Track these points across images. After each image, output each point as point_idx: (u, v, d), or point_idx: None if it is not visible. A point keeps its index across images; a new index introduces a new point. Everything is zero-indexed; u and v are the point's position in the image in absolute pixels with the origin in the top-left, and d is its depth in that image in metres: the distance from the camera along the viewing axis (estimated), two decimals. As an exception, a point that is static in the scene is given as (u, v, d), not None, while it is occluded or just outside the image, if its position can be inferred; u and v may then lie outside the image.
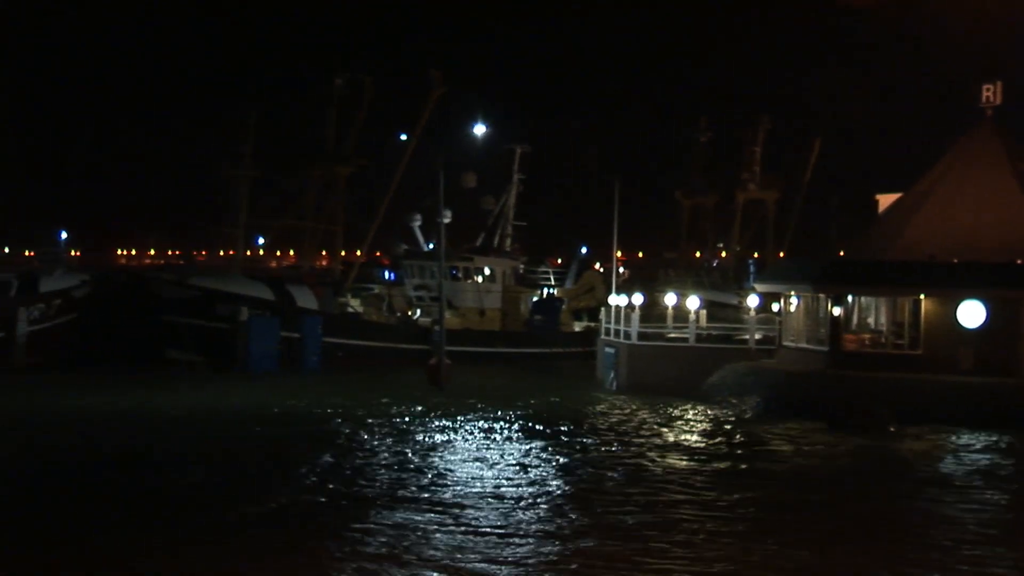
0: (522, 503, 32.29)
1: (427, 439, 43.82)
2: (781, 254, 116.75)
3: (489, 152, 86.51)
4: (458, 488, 34.10)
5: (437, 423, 47.96)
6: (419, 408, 52.32)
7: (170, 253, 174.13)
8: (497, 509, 31.36)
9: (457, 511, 30.96)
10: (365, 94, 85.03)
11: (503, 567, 25.88)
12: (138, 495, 33.28)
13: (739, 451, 42.77)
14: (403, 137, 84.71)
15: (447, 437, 44.44)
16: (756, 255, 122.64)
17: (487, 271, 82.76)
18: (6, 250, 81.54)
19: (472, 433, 45.58)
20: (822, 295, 54.95)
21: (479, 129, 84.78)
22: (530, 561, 26.31)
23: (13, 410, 51.13)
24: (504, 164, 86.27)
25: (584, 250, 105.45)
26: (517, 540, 28.16)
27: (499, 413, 51.16)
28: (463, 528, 29.12)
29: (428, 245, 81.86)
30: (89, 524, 29.55)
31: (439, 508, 31.31)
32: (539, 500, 32.84)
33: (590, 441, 44.36)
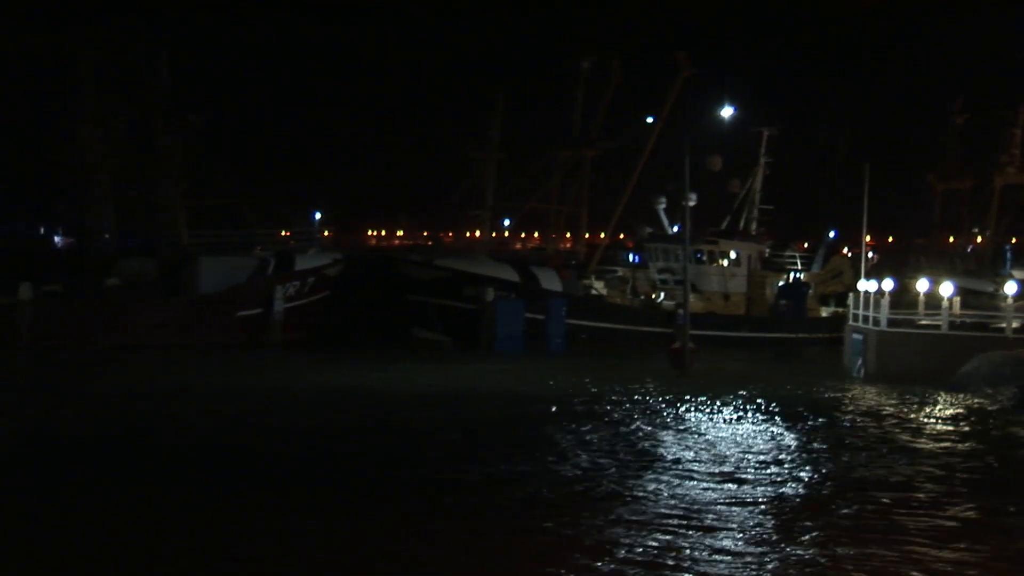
0: (777, 494, 31.92)
1: (671, 423, 43.65)
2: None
3: (736, 134, 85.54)
4: (700, 476, 33.88)
5: (681, 407, 47.69)
6: (663, 392, 52.15)
7: (421, 234, 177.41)
8: (747, 499, 31.03)
9: (701, 497, 30.85)
10: (612, 77, 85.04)
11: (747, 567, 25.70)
12: (397, 474, 34.31)
13: (1005, 444, 41.25)
14: (649, 120, 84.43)
15: (691, 422, 44.18)
16: (1014, 241, 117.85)
17: (732, 255, 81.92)
18: (265, 230, 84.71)
19: (717, 418, 45.21)
20: (1086, 283, 52.58)
21: (726, 111, 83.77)
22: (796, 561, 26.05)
23: (276, 385, 53.35)
24: (751, 146, 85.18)
25: (832, 234, 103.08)
26: (769, 538, 27.88)
27: (745, 398, 50.58)
28: (714, 517, 29.01)
29: (673, 228, 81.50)
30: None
31: (683, 492, 31.28)
32: (807, 489, 32.42)
33: (841, 429, 43.42)
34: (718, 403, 48.90)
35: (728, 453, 37.36)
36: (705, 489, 31.74)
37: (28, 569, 24.34)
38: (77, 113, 79.02)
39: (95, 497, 29.87)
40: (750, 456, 37.01)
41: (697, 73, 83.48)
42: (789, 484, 32.89)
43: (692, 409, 47.19)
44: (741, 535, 27.11)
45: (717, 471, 34.16)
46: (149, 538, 26.30)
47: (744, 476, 33.62)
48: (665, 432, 41.38)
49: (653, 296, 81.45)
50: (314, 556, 25.11)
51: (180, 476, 32.75)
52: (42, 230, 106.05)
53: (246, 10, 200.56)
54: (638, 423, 43.33)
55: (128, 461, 35.05)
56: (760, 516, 28.94)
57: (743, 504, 30.09)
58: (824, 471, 34.86)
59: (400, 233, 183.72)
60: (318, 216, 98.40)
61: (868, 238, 78.27)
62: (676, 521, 28.11)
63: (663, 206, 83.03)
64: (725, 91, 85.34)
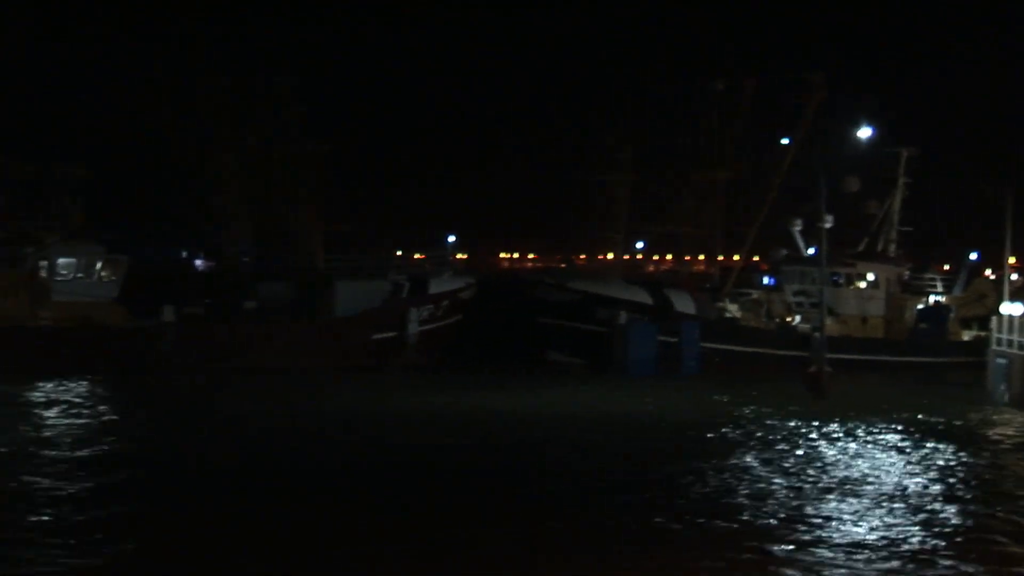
0: (938, 518, 31.28)
1: (808, 448, 43.06)
2: None
3: (874, 154, 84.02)
4: (841, 506, 33.30)
5: (818, 432, 46.97)
6: (799, 416, 51.38)
7: (554, 257, 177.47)
8: (890, 534, 30.42)
9: (840, 528, 30.31)
10: (745, 97, 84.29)
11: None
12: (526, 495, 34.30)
13: None
14: (784, 141, 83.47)
15: (828, 446, 43.50)
16: None
17: (870, 277, 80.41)
18: (399, 253, 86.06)
19: (855, 443, 44.39)
20: None
21: (863, 132, 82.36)
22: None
23: (410, 407, 53.87)
24: (889, 167, 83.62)
25: (974, 256, 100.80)
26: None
27: (883, 424, 49.57)
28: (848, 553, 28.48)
29: (809, 250, 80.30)
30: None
31: (822, 520, 30.78)
32: (962, 517, 31.76)
33: (987, 458, 42.31)
34: (852, 428, 48.03)
35: (876, 478, 36.72)
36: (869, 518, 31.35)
37: None
38: (215, 140, 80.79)
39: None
40: (903, 481, 36.36)
41: (833, 93, 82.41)
42: (947, 509, 32.34)
43: (825, 434, 46.42)
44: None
45: (875, 495, 33.66)
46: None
47: (903, 502, 33.09)
48: (795, 459, 40.76)
49: (788, 319, 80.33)
50: None
51: (341, 495, 33.47)
52: (184, 253, 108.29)
53: (377, 36, 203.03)
54: (770, 447, 42.81)
55: (291, 479, 35.86)
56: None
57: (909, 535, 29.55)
58: (974, 500, 34.06)
59: (532, 256, 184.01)
60: (451, 239, 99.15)
61: (1012, 259, 76.36)
62: (843, 544, 27.99)
63: (799, 228, 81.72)
64: (862, 111, 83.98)
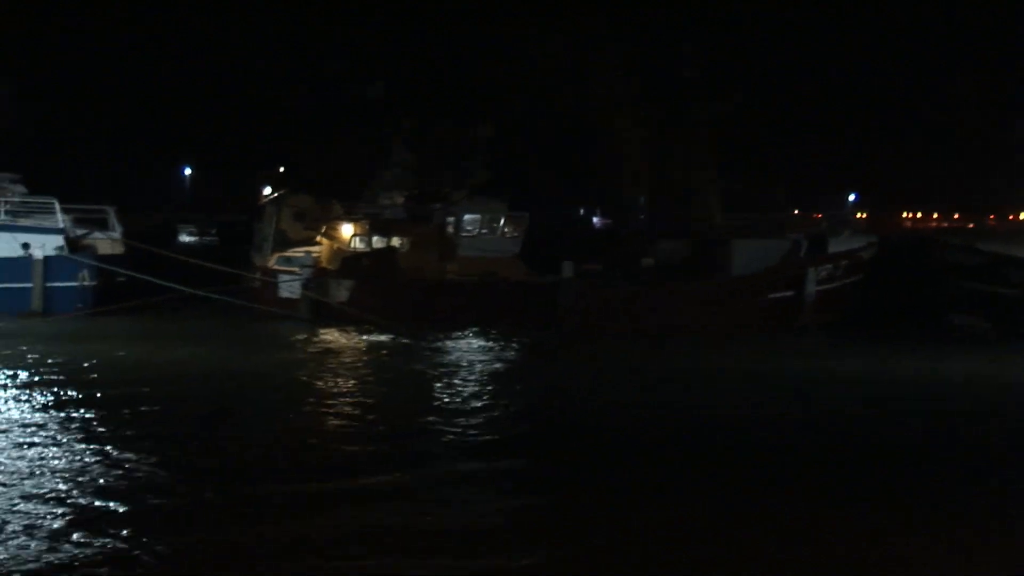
0: None
1: None
2: None
3: None
4: None
5: None
6: None
7: (956, 217, 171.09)
8: None
9: None
10: None
11: None
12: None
13: None
14: None
15: None
16: None
17: None
18: (796, 212, 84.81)
19: None
20: None
21: None
22: None
23: (803, 370, 52.87)
24: None
25: None
26: None
27: None
28: None
29: None
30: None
31: None
32: None
33: None
34: None
35: None
36: None
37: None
38: (612, 101, 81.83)
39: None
40: None
41: None
42: None
43: None
44: None
45: None
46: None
47: None
48: None
49: None
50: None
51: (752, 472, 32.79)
52: (582, 211, 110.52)
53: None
54: None
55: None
56: None
57: None
58: None
59: (935, 216, 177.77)
60: (852, 198, 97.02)
61: None
62: None
63: None
64: None
